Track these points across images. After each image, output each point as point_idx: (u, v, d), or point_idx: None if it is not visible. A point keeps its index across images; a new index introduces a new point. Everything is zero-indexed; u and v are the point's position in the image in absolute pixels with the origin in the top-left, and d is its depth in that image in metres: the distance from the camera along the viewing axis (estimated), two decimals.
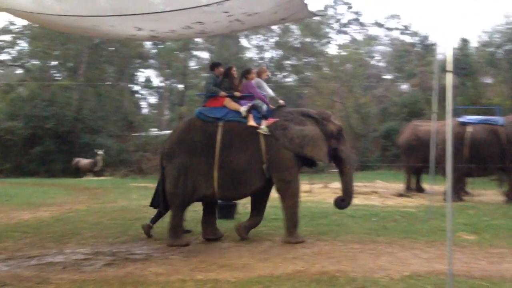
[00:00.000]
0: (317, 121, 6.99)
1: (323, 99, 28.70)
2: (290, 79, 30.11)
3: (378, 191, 13.24)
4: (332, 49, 31.74)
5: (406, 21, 53.02)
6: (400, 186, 13.88)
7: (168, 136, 7.38)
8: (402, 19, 42.39)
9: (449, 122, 4.36)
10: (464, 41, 25.74)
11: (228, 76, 7.32)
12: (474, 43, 27.84)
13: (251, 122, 6.75)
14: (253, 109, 6.87)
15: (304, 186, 14.15)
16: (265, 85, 7.52)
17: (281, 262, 5.56)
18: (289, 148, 6.68)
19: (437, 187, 11.87)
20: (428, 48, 28.53)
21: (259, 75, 7.59)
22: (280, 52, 27.49)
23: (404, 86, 31.20)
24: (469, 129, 11.55)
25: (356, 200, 11.08)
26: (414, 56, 28.94)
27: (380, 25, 32.94)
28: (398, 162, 13.71)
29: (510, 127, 11.50)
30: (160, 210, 7.20)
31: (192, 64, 29.27)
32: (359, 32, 32.46)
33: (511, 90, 23.62)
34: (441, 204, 9.84)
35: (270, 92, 7.54)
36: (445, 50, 4.38)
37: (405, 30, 32.46)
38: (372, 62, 33.67)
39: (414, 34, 30.83)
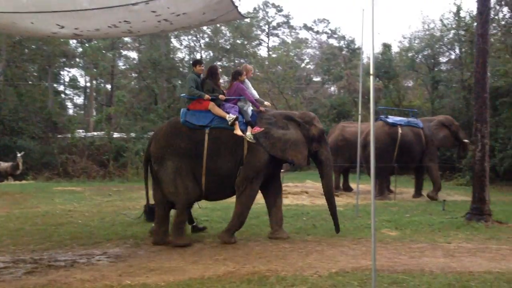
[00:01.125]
0: (299, 124, 7.17)
1: None
2: (221, 81, 30.11)
3: (308, 191, 13.50)
4: (263, 51, 32.10)
5: (334, 26, 54.78)
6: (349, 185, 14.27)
7: (152, 139, 7.19)
8: (330, 24, 43.67)
9: (372, 123, 4.53)
10: (387, 46, 26.91)
11: (212, 76, 7.26)
12: (395, 48, 29.22)
13: (238, 131, 6.77)
14: (237, 119, 6.85)
15: None
16: (250, 86, 7.60)
17: (212, 264, 5.53)
18: (271, 152, 6.84)
19: (364, 186, 12.37)
20: (354, 52, 29.58)
21: (246, 73, 7.59)
22: (210, 53, 27.40)
23: (332, 89, 32.17)
24: (400, 130, 12.25)
25: (286, 200, 11.32)
26: (341, 59, 29.88)
27: (309, 28, 33.82)
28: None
29: (427, 129, 12.54)
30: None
31: (121, 64, 28.54)
32: (289, 35, 33.13)
33: (430, 93, 24.95)
34: (367, 203, 10.22)
35: (255, 93, 7.59)
36: (365, 54, 4.51)
37: (332, 34, 33.55)
38: (302, 64, 34.44)
39: (341, 38, 31.88)
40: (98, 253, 6.15)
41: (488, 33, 9.02)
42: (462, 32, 22.38)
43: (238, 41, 26.72)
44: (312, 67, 35.45)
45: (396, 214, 9.33)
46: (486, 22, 8.81)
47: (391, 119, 12.84)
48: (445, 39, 24.82)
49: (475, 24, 9.79)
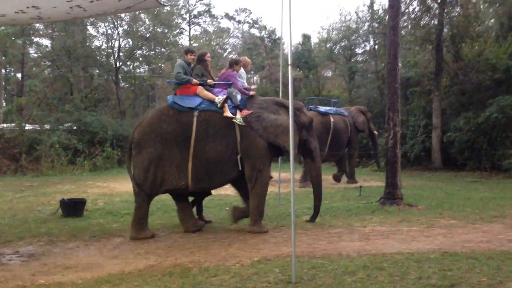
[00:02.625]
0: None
1: None
2: (141, 70, 29.36)
3: None
4: (184, 40, 31.60)
5: (256, 15, 55.13)
6: None
7: (137, 125, 6.89)
8: (252, 13, 43.85)
9: (291, 112, 4.60)
10: (306, 37, 27.54)
11: (202, 61, 7.16)
12: (315, 39, 30.00)
13: (227, 113, 6.60)
14: (227, 99, 6.72)
15: None
16: (244, 77, 7.54)
17: (133, 258, 5.40)
18: (263, 136, 6.71)
19: (285, 175, 12.61)
20: (275, 42, 29.98)
21: (244, 66, 7.61)
22: (129, 41, 26.54)
23: (255, 78, 32.42)
24: (332, 119, 12.83)
25: None
26: (263, 49, 30.17)
27: (231, 18, 33.77)
28: None
29: (351, 118, 13.45)
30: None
31: (32, 52, 26.87)
32: (211, 24, 32.90)
33: (348, 83, 25.90)
34: (289, 191, 10.43)
35: (246, 84, 7.53)
36: (290, 46, 4.57)
37: (254, 24, 33.74)
38: (224, 54, 34.36)
39: (263, 28, 32.13)
40: (9, 252, 5.79)
41: (399, 25, 9.48)
42: (376, 25, 23.38)
43: (158, 29, 26.07)
44: (234, 56, 35.48)
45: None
46: (397, 15, 9.25)
47: (322, 108, 13.42)
48: (361, 31, 25.82)
49: (387, 17, 10.25)
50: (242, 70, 7.54)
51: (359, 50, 27.39)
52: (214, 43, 32.22)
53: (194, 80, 6.83)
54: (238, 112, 6.72)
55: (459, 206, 8.62)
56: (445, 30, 18.80)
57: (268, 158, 6.89)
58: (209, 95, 6.79)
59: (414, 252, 5.28)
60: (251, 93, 7.17)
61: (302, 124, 7.08)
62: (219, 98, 6.68)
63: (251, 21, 34.23)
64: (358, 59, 27.31)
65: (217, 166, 6.62)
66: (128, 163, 6.99)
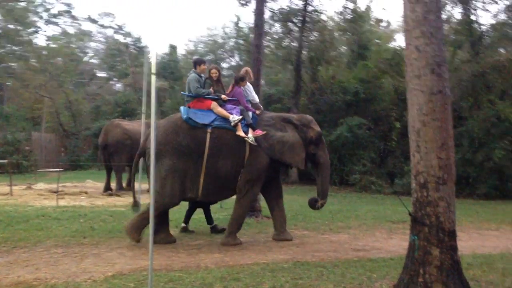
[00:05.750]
0: (297, 127, 7.15)
1: (29, 92, 26.36)
2: None
3: (87, 191, 12.85)
4: (40, 40, 29.38)
5: (120, 21, 53.45)
6: (111, 185, 13.68)
7: (148, 135, 6.66)
8: (116, 18, 42.45)
9: (153, 122, 4.49)
10: (173, 48, 27.44)
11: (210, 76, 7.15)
12: (182, 51, 30.01)
13: (240, 132, 6.65)
14: (242, 119, 6.73)
15: (3, 188, 12.71)
16: (252, 90, 7.43)
17: None
18: (269, 154, 6.80)
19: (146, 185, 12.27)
20: (140, 50, 29.33)
21: (248, 78, 7.51)
22: None
23: (118, 85, 31.32)
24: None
25: (62, 202, 10.57)
26: (127, 56, 29.31)
27: (93, 21, 32.24)
28: (102, 161, 13.44)
29: None
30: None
31: None
32: (71, 25, 31.03)
33: None
34: (149, 202, 10.16)
35: (256, 97, 7.47)
36: (152, 54, 4.47)
37: (119, 29, 32.63)
38: (85, 58, 32.66)
39: (128, 34, 31.26)
40: None
41: (262, 44, 9.87)
42: (241, 42, 24.13)
43: (11, 26, 23.89)
44: (96, 61, 33.93)
45: (177, 213, 9.49)
46: (261, 34, 9.64)
47: None
48: (227, 46, 26.43)
49: (252, 35, 10.63)
50: (248, 84, 7.45)
51: (225, 65, 28.02)
52: (75, 46, 30.43)
53: (224, 96, 6.93)
54: (250, 131, 6.76)
55: (311, 217, 9.17)
56: (304, 52, 20.06)
57: (264, 175, 6.91)
58: (223, 112, 6.80)
59: (269, 262, 5.47)
60: (257, 112, 7.14)
61: (309, 139, 7.17)
62: (234, 117, 6.70)
63: (116, 26, 33.05)
64: (223, 73, 27.89)
65: (226, 181, 6.72)
66: (134, 170, 7.17)
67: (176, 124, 6.72)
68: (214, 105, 6.87)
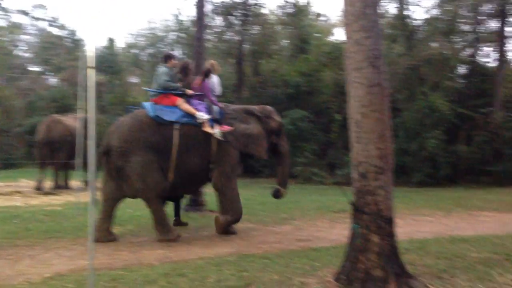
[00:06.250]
0: (259, 118, 7.31)
1: None
2: None
3: (21, 191, 12.28)
4: None
5: (54, 13, 51.23)
6: (47, 184, 13.14)
7: (111, 132, 6.67)
8: (49, 10, 40.68)
9: (92, 118, 4.31)
10: (111, 41, 26.67)
11: (185, 72, 7.14)
12: (121, 44, 29.22)
13: (207, 129, 6.69)
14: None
15: None
16: (219, 82, 7.45)
17: None
18: (235, 146, 6.91)
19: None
20: (76, 43, 28.29)
21: (215, 71, 7.47)
22: None
23: (53, 80, 30.06)
24: None
25: None
26: (62, 49, 28.19)
27: (25, 13, 30.70)
28: (40, 159, 12.85)
29: None
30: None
31: None
32: (1, 18, 29.41)
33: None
34: (94, 200, 9.85)
35: (220, 90, 7.51)
36: (90, 47, 4.30)
37: (53, 22, 31.26)
38: (17, 51, 31.07)
39: (62, 27, 30.04)
40: None
41: (204, 37, 9.78)
42: (183, 35, 23.81)
43: None
44: (29, 55, 32.36)
45: (120, 210, 9.24)
46: (202, 27, 9.55)
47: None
48: (167, 40, 26.00)
49: (193, 28, 10.51)
50: (216, 77, 7.36)
51: None
52: (5, 39, 28.88)
53: (190, 92, 6.88)
54: (217, 126, 6.78)
55: (255, 210, 9.22)
56: (246, 46, 20.10)
57: (237, 166, 7.12)
58: (190, 109, 6.76)
59: (214, 256, 5.45)
60: (220, 105, 7.20)
61: (270, 129, 7.35)
62: (201, 116, 6.70)
63: (50, 19, 31.64)
64: None
65: (194, 176, 6.84)
66: (106, 169, 6.67)
67: (142, 121, 6.64)
68: (180, 101, 6.82)
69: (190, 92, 6.96)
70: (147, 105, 6.82)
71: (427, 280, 4.13)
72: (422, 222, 8.16)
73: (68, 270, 4.91)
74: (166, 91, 6.84)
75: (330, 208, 9.56)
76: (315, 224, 8.04)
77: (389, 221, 4.08)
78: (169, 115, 6.67)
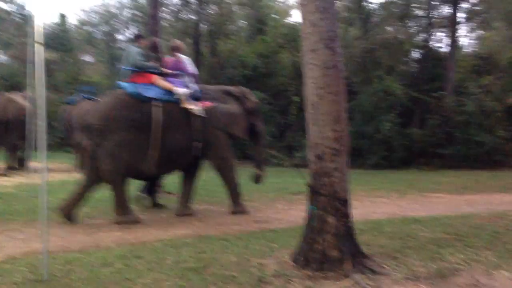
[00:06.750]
0: (237, 98, 7.39)
1: None
2: None
3: None
4: None
5: None
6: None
7: (90, 111, 6.76)
8: None
9: (42, 95, 4.17)
10: (63, 17, 25.71)
11: (155, 50, 7.17)
12: (73, 20, 28.21)
13: (186, 104, 6.68)
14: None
15: None
16: (190, 61, 7.38)
17: None
18: (217, 126, 6.95)
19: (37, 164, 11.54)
20: (26, 18, 27.09)
21: (180, 49, 7.38)
22: None
23: (2, 57, 28.80)
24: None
25: None
26: (11, 25, 26.94)
27: None
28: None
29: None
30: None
31: None
32: None
33: (109, 69, 25.15)
34: (46, 181, 9.59)
35: (194, 69, 7.38)
36: (38, 21, 4.13)
37: None
38: None
39: (11, 1, 28.65)
40: None
41: (159, 15, 9.58)
42: (138, 13, 23.23)
43: None
44: None
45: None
46: (157, 4, 9.34)
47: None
48: (122, 17, 25.30)
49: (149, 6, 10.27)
50: (186, 57, 7.31)
51: (120, 37, 26.84)
52: None
53: (166, 70, 6.88)
54: (197, 103, 6.80)
55: (214, 192, 9.21)
56: (203, 26, 19.83)
57: (229, 145, 7.26)
58: (167, 85, 6.74)
59: (172, 238, 5.44)
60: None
61: (248, 110, 7.44)
62: (179, 91, 6.69)
63: None
64: (120, 46, 26.75)
65: (177, 154, 6.77)
66: (91, 149, 6.56)
67: (121, 99, 6.61)
68: (156, 78, 6.80)
69: (166, 70, 6.96)
70: (125, 84, 6.77)
71: (382, 260, 4.26)
72: (378, 204, 8.40)
73: (22, 253, 4.80)
74: (141, 70, 6.78)
75: (288, 190, 9.68)
76: (273, 205, 8.14)
77: (345, 203, 4.17)
78: (148, 92, 6.64)
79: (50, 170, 11.91)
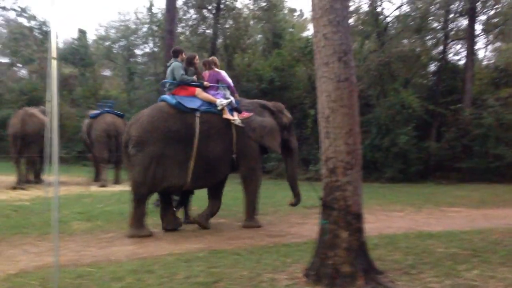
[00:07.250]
0: (273, 112, 7.48)
1: None
2: None
3: None
4: None
5: (23, 3, 49.85)
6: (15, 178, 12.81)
7: (132, 123, 6.75)
8: (18, 0, 39.52)
9: (54, 109, 4.20)
10: (82, 32, 26.15)
11: (192, 64, 7.25)
12: (92, 36, 28.66)
13: (227, 115, 6.83)
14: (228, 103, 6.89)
15: None
16: (226, 75, 7.39)
17: None
18: (252, 137, 7.01)
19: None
20: (46, 34, 27.60)
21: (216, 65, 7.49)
22: None
23: (23, 72, 29.35)
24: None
25: None
26: (32, 41, 27.48)
27: None
28: (14, 153, 12.56)
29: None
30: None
31: None
32: None
33: (127, 84, 25.42)
34: (63, 194, 9.68)
35: (231, 82, 7.41)
36: (58, 38, 4.17)
37: (22, 12, 30.43)
38: None
39: (32, 17, 29.26)
40: None
41: (175, 30, 9.68)
42: (155, 28, 23.50)
43: None
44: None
45: (89, 205, 9.14)
46: (173, 19, 9.44)
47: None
48: (140, 33, 25.63)
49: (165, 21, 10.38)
50: (222, 71, 7.52)
51: (138, 51, 27.17)
52: None
53: (206, 83, 7.03)
54: (236, 114, 6.95)
55: (227, 206, 9.15)
56: (220, 40, 19.95)
57: (260, 157, 7.32)
58: (209, 97, 6.92)
59: (184, 252, 5.41)
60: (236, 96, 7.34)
61: (283, 125, 7.51)
62: (221, 101, 6.85)
63: (18, 9, 30.78)
64: (137, 60, 27.06)
65: (215, 166, 6.82)
66: (127, 162, 6.73)
67: (163, 110, 6.71)
68: (198, 91, 7.00)
69: (206, 83, 7.11)
70: (167, 97, 6.95)
71: (395, 275, 4.18)
72: (393, 218, 8.26)
73: (34, 267, 4.82)
74: (184, 83, 6.99)
75: (303, 204, 9.52)
76: (287, 219, 8.05)
77: (358, 217, 4.11)
78: (190, 103, 6.78)
79: (67, 184, 12.13)
